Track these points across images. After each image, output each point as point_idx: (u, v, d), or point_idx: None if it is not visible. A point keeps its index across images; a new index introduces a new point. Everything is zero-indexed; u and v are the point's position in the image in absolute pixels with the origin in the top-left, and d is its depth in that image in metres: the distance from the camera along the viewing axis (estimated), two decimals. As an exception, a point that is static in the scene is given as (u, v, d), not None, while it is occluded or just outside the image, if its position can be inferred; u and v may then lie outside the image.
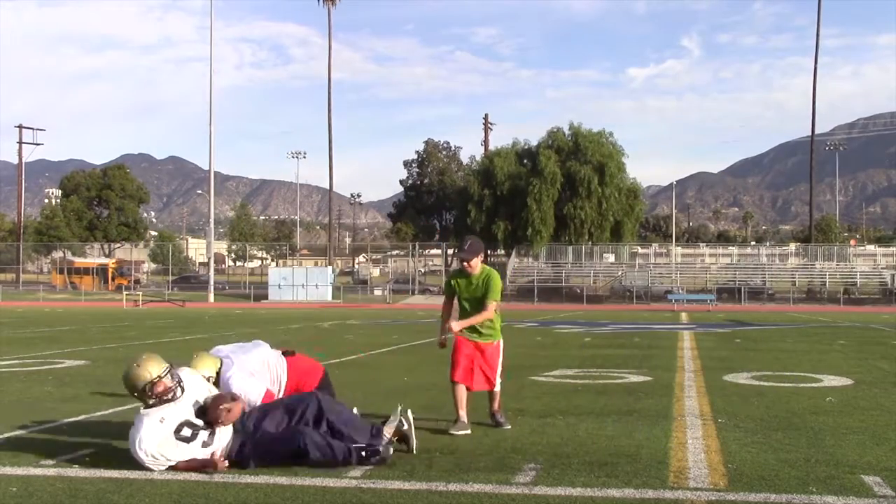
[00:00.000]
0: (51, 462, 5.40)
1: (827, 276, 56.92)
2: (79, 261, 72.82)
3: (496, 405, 6.78)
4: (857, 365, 12.33)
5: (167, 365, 5.29)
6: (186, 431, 5.19)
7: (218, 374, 5.85)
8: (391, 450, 5.45)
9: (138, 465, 5.16)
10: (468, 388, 6.58)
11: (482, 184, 61.21)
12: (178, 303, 48.54)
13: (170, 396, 5.22)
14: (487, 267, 6.66)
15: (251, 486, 4.79)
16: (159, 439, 5.11)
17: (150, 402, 5.23)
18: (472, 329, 6.59)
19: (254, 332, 20.61)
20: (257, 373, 5.93)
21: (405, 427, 5.70)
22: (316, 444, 5.15)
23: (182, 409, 5.24)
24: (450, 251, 72.92)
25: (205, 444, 5.18)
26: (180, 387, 5.29)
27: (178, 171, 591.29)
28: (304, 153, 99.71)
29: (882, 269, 60.25)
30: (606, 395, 8.69)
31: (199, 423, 5.25)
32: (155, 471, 5.08)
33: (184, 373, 5.47)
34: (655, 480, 4.94)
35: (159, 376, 5.20)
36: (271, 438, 5.26)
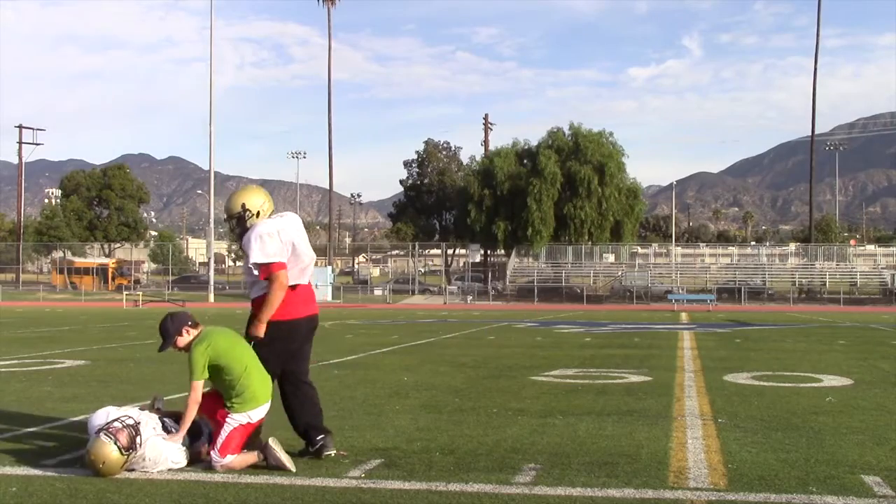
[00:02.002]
0: (51, 462, 5.39)
1: (827, 276, 56.91)
2: (79, 261, 72.77)
3: None
4: (857, 365, 12.32)
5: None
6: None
7: (258, 214, 5.55)
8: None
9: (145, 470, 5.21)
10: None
11: (482, 184, 61.20)
12: (179, 303, 48.49)
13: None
14: (197, 338, 5.38)
15: (251, 486, 4.79)
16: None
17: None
18: None
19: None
20: (289, 243, 5.47)
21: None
22: None
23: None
24: (450, 251, 72.92)
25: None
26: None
27: (178, 171, 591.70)
28: (304, 153, 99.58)
29: (882, 269, 60.21)
30: (606, 395, 8.68)
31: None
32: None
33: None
34: (655, 480, 4.94)
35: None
36: None
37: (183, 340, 5.38)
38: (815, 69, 65.79)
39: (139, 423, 5.18)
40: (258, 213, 5.59)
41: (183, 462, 5.23)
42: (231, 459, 5.19)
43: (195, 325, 5.44)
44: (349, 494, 4.63)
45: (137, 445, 5.08)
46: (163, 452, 5.16)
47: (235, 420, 5.23)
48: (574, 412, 7.52)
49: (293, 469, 5.13)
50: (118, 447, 4.99)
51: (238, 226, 5.60)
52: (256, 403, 5.29)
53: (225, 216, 5.67)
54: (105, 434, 5.05)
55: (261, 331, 5.43)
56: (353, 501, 4.50)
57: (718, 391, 9.08)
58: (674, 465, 5.35)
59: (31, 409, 7.70)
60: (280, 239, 5.44)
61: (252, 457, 5.24)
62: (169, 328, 5.42)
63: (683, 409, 7.80)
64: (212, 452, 5.18)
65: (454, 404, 8.02)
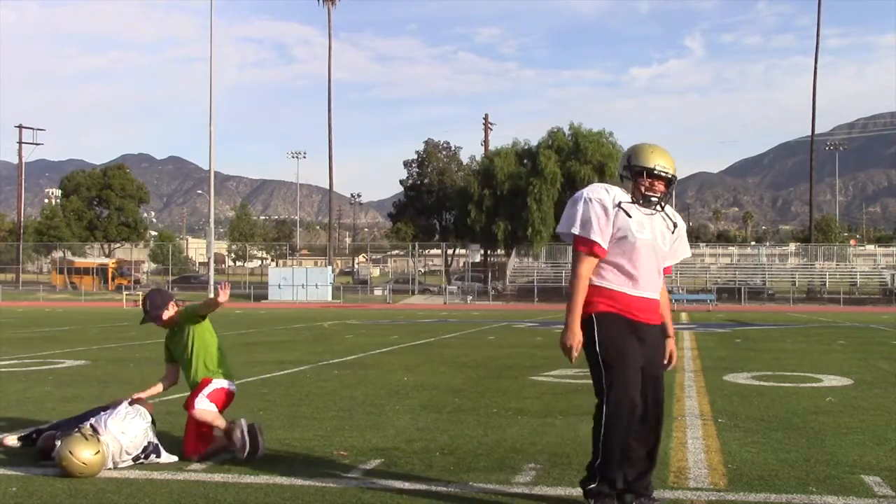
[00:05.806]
0: (51, 462, 5.39)
1: (827, 276, 56.91)
2: (79, 261, 72.84)
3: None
4: (857, 365, 12.32)
5: None
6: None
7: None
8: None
9: (138, 465, 5.23)
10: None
11: (482, 184, 61.25)
12: (179, 303, 48.55)
13: None
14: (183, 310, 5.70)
15: (251, 486, 4.79)
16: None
17: None
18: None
19: (253, 332, 20.62)
20: None
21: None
22: None
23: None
24: (450, 251, 72.93)
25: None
26: None
27: (178, 171, 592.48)
28: (304, 153, 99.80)
29: (882, 269, 60.25)
30: (606, 395, 8.66)
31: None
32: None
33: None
34: (655, 480, 4.92)
35: None
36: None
37: (168, 314, 5.64)
38: (816, 69, 65.89)
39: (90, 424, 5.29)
40: None
41: (148, 419, 5.40)
42: (208, 406, 5.39)
43: (178, 304, 5.76)
44: (349, 494, 4.62)
45: (102, 427, 5.18)
46: (128, 417, 5.30)
47: (219, 382, 5.53)
48: (574, 412, 7.51)
49: (242, 456, 5.26)
50: (81, 434, 5.06)
51: (664, 193, 4.31)
52: (231, 377, 5.65)
53: (667, 173, 4.21)
54: (63, 437, 5.16)
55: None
56: (353, 501, 4.50)
57: (718, 391, 9.07)
58: (674, 465, 5.35)
59: (31, 409, 7.70)
60: None
61: (222, 421, 5.41)
62: (157, 300, 5.66)
63: (683, 409, 7.79)
64: (195, 400, 5.41)
65: (454, 404, 8.02)
